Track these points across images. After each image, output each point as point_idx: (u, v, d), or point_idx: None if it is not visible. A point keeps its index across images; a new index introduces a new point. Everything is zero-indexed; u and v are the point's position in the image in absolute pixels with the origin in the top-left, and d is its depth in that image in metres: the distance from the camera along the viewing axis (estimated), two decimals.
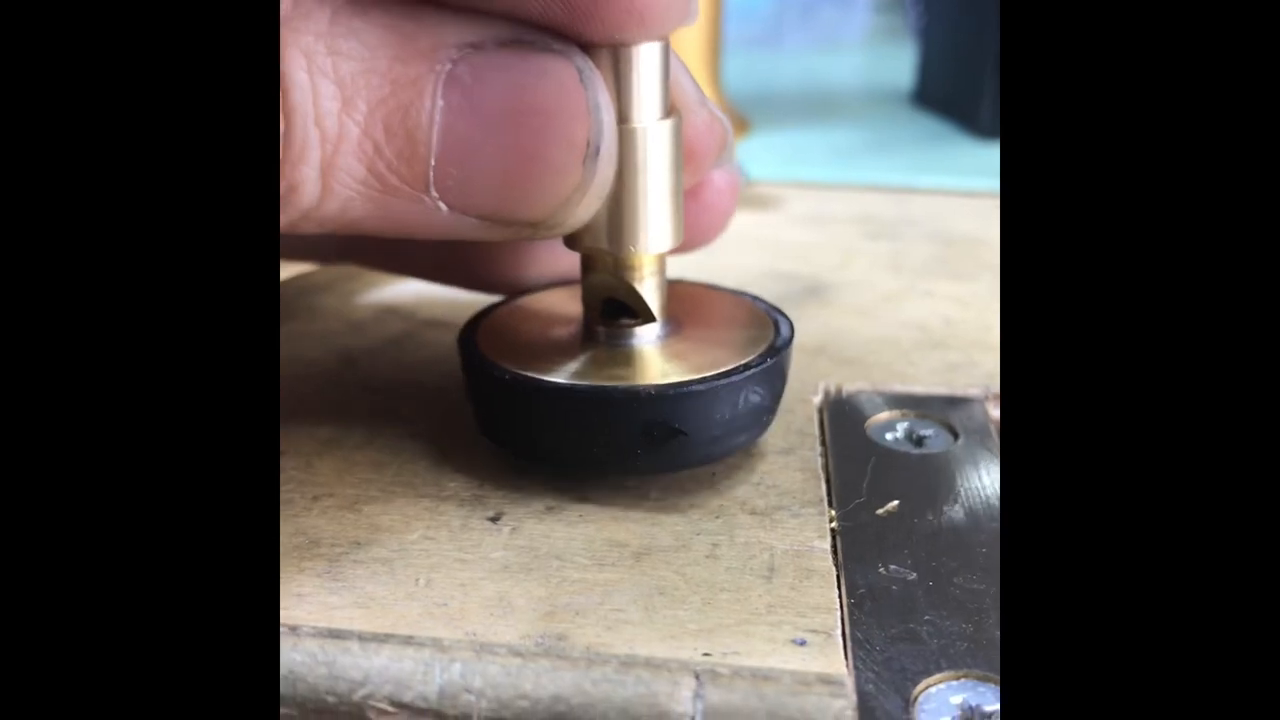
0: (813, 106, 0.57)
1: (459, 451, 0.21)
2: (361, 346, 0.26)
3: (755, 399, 0.19)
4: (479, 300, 0.23)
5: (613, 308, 0.19)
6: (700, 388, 0.18)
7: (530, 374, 0.18)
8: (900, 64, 0.64)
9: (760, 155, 0.45)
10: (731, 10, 0.74)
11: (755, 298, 0.22)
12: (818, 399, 0.23)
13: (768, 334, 0.20)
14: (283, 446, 0.21)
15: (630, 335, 0.19)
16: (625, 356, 0.19)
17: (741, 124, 0.51)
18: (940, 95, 0.54)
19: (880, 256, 0.34)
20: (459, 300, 0.29)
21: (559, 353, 0.19)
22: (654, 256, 0.19)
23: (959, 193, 0.41)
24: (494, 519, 0.19)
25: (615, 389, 0.18)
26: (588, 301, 0.20)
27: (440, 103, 0.15)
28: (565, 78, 0.16)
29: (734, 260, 0.33)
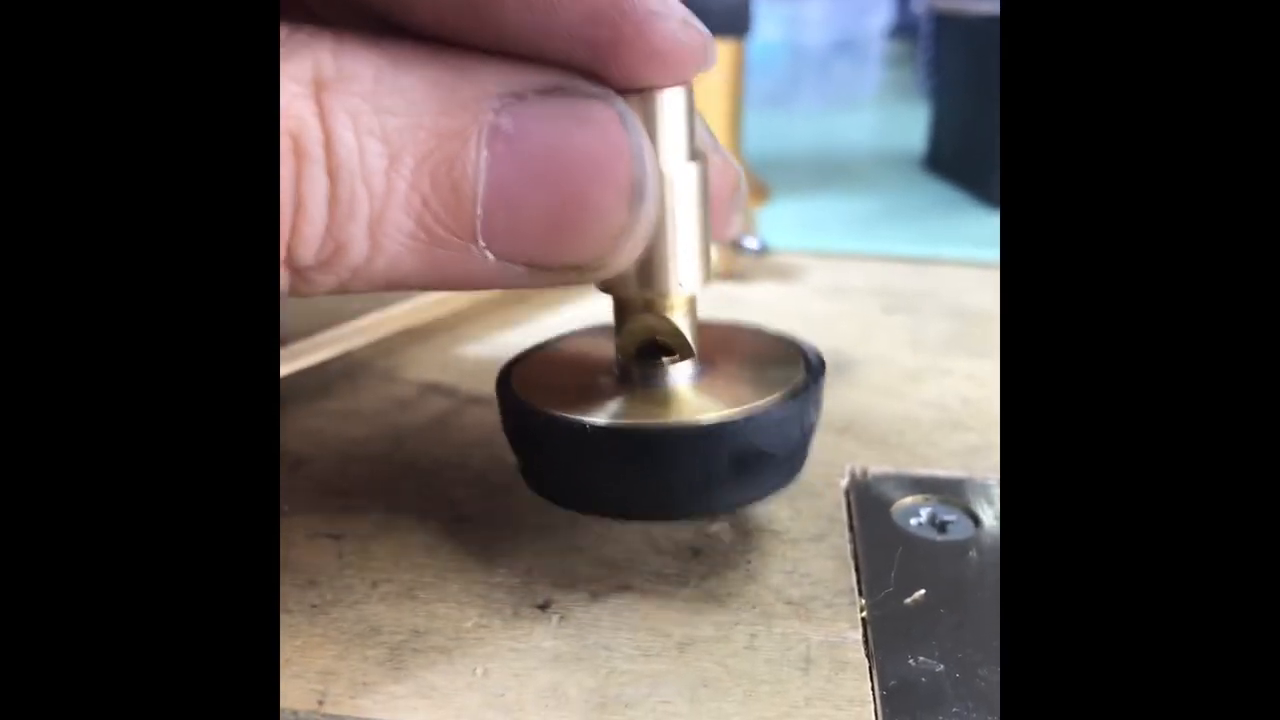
0: (827, 171, 0.59)
1: (506, 533, 0.22)
2: (409, 425, 0.27)
3: (811, 420, 0.20)
4: None
5: (648, 348, 0.20)
6: (779, 412, 0.19)
7: (601, 421, 0.19)
8: (912, 123, 0.65)
9: (780, 223, 0.47)
10: (747, 67, 0.76)
11: (770, 330, 0.23)
12: (844, 482, 0.24)
13: (796, 360, 0.21)
14: (337, 529, 0.22)
15: (666, 375, 0.20)
16: (667, 396, 0.20)
17: (761, 190, 0.52)
18: (951, 161, 0.56)
19: (899, 331, 0.35)
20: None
21: (602, 396, 0.20)
22: (687, 296, 0.19)
23: (973, 264, 0.42)
24: (543, 606, 0.20)
25: (703, 423, 0.18)
26: (624, 344, 0.20)
27: (485, 153, 0.15)
28: (607, 122, 0.16)
29: None
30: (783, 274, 0.40)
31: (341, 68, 0.15)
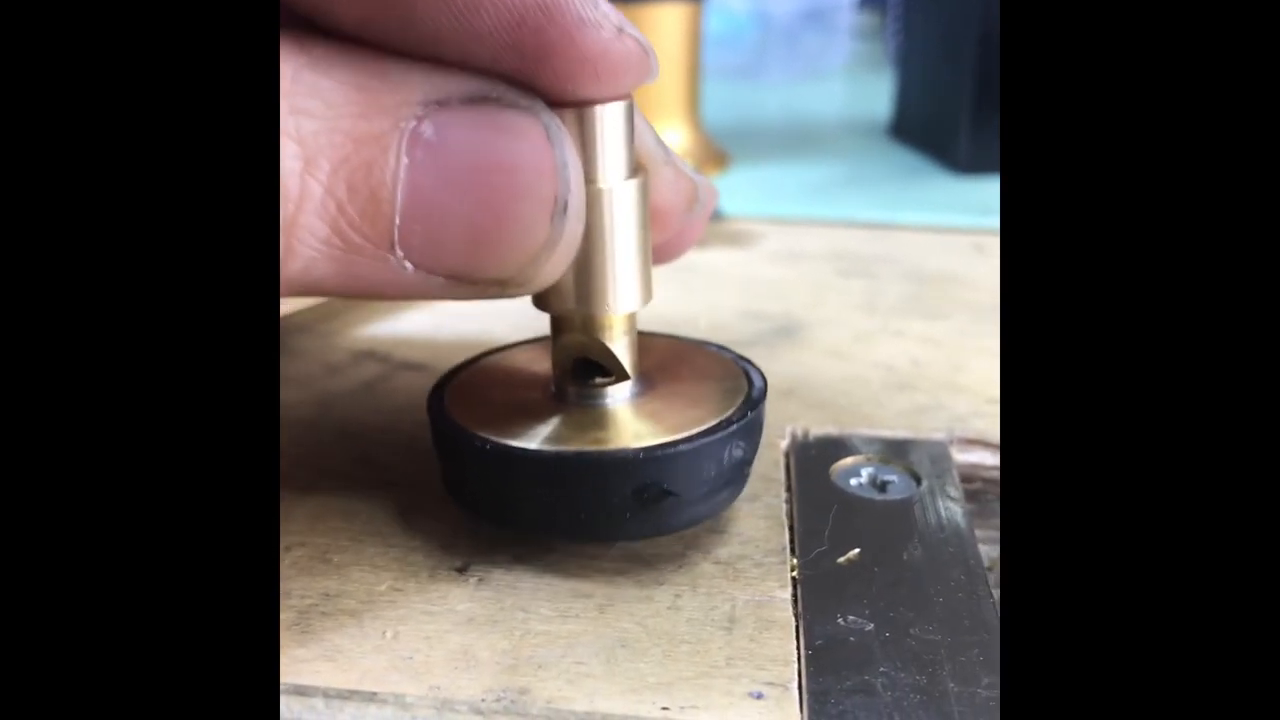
0: (791, 139, 0.58)
1: (429, 499, 0.21)
2: (338, 390, 0.26)
3: (739, 454, 0.19)
4: (455, 344, 0.23)
5: (584, 367, 0.19)
6: (687, 447, 0.18)
7: (508, 441, 0.18)
8: (879, 93, 0.65)
9: (738, 190, 0.46)
10: (715, 39, 0.75)
11: (722, 348, 0.22)
12: (784, 443, 0.24)
13: (740, 386, 0.20)
14: None
15: (603, 395, 0.19)
16: (600, 417, 0.19)
17: (720, 158, 0.51)
18: (917, 129, 0.55)
19: (853, 294, 0.34)
20: (436, 341, 0.29)
21: (532, 416, 0.19)
22: (625, 315, 0.19)
23: (935, 229, 0.41)
24: (461, 569, 0.19)
25: (603, 454, 0.18)
26: (558, 362, 0.20)
27: (404, 160, 0.15)
28: (532, 134, 0.16)
29: (708, 299, 0.33)
30: (736, 240, 0.40)
31: None
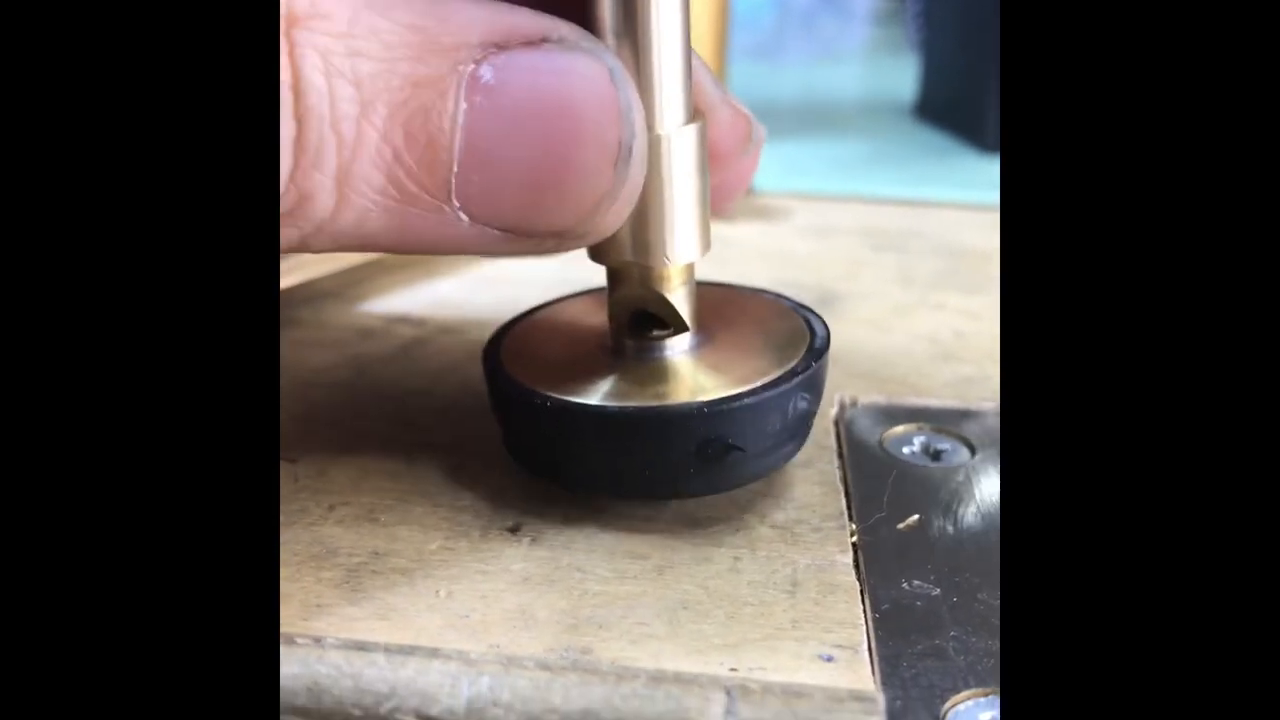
0: (814, 118, 0.57)
1: (475, 460, 0.21)
2: (373, 354, 0.26)
3: (803, 405, 0.18)
4: (491, 308, 0.22)
5: (642, 320, 0.19)
6: (752, 400, 0.17)
7: (570, 398, 0.18)
8: (900, 76, 0.64)
9: (764, 166, 0.45)
10: (734, 21, 0.74)
11: (779, 295, 0.22)
12: (834, 411, 0.23)
13: (802, 334, 0.19)
14: (295, 454, 0.21)
15: (662, 348, 0.19)
16: (660, 371, 0.18)
17: None
18: (942, 109, 0.54)
19: (888, 268, 0.34)
20: (470, 305, 0.29)
21: (590, 371, 0.18)
22: (684, 266, 0.18)
23: (965, 206, 0.41)
24: (513, 529, 0.19)
25: (666, 409, 0.17)
26: (615, 315, 0.19)
27: (463, 105, 0.14)
28: (596, 77, 0.15)
29: (741, 270, 0.33)
30: (767, 214, 0.39)
31: (315, 4, 0.13)
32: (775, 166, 0.46)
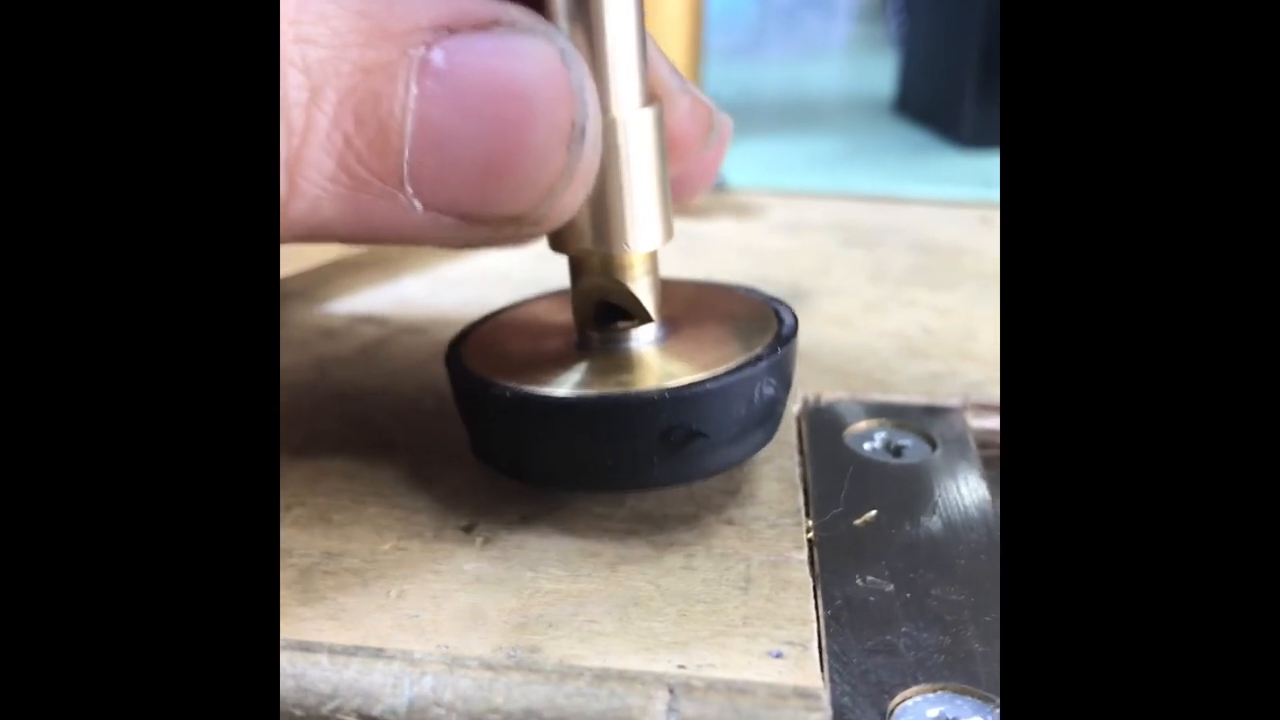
0: (793, 114, 0.57)
1: (434, 460, 0.21)
2: (334, 354, 0.26)
3: (770, 391, 0.18)
4: (455, 308, 0.22)
5: (606, 311, 0.19)
6: (715, 385, 0.17)
7: (528, 389, 0.17)
8: (881, 73, 0.64)
9: (740, 163, 0.45)
10: (714, 19, 0.74)
11: (750, 289, 0.21)
12: (796, 407, 0.23)
13: (770, 324, 0.19)
14: None
15: (627, 339, 0.19)
16: (625, 361, 0.18)
17: None
18: (921, 105, 0.54)
19: (859, 265, 0.33)
20: (435, 306, 0.29)
21: (554, 364, 0.18)
22: (646, 254, 0.18)
23: (940, 202, 0.41)
24: (467, 529, 0.18)
25: (627, 395, 0.17)
26: (579, 307, 0.19)
27: (414, 90, 0.14)
28: (546, 59, 0.15)
29: (714, 266, 0.33)
30: (741, 211, 0.39)
31: None
32: (754, 163, 0.46)
